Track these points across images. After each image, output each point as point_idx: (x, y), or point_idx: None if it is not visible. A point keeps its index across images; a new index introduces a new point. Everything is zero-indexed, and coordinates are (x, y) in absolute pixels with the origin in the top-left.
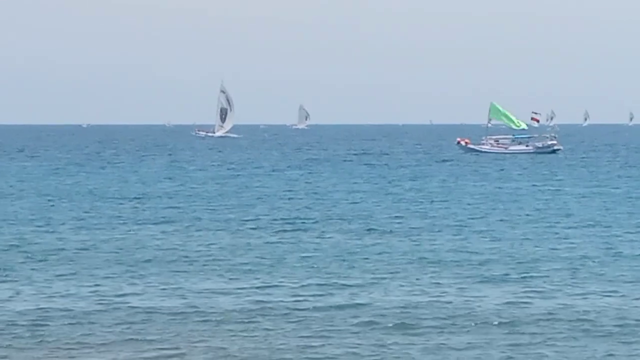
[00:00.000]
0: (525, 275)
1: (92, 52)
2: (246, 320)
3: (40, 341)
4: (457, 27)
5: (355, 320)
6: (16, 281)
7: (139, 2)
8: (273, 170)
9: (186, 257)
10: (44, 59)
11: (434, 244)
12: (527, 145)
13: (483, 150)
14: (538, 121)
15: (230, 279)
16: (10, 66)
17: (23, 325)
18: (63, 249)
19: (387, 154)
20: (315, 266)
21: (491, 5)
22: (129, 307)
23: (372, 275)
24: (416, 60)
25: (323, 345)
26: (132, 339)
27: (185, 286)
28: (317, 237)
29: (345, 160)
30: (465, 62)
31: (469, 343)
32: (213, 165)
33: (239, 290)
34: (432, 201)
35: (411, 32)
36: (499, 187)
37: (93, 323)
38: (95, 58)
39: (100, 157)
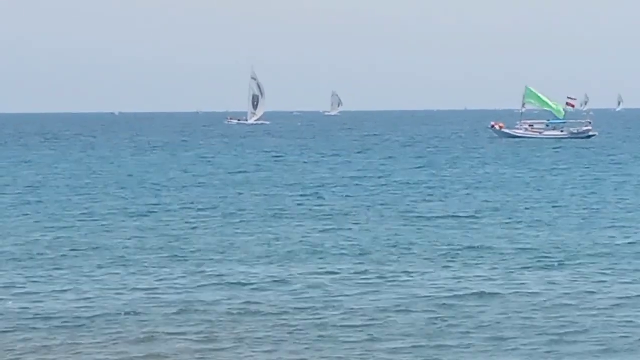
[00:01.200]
0: (572, 262)
1: (123, 41)
2: (303, 315)
3: (86, 334)
4: (490, 12)
5: (402, 312)
6: (61, 272)
7: None
8: (314, 158)
9: (232, 246)
10: (76, 49)
11: (479, 232)
12: (562, 131)
13: (517, 134)
14: (574, 106)
15: (280, 266)
16: (45, 55)
17: (68, 319)
18: (107, 239)
19: (430, 140)
20: (359, 254)
21: None
22: (176, 299)
23: (419, 265)
24: (450, 46)
25: (370, 340)
26: (179, 332)
27: (230, 276)
28: (360, 225)
29: (390, 148)
30: (498, 47)
31: (520, 332)
32: (251, 152)
33: (289, 280)
34: (477, 187)
35: (445, 18)
36: (539, 173)
37: (140, 314)
38: (127, 48)
39: (137, 145)
